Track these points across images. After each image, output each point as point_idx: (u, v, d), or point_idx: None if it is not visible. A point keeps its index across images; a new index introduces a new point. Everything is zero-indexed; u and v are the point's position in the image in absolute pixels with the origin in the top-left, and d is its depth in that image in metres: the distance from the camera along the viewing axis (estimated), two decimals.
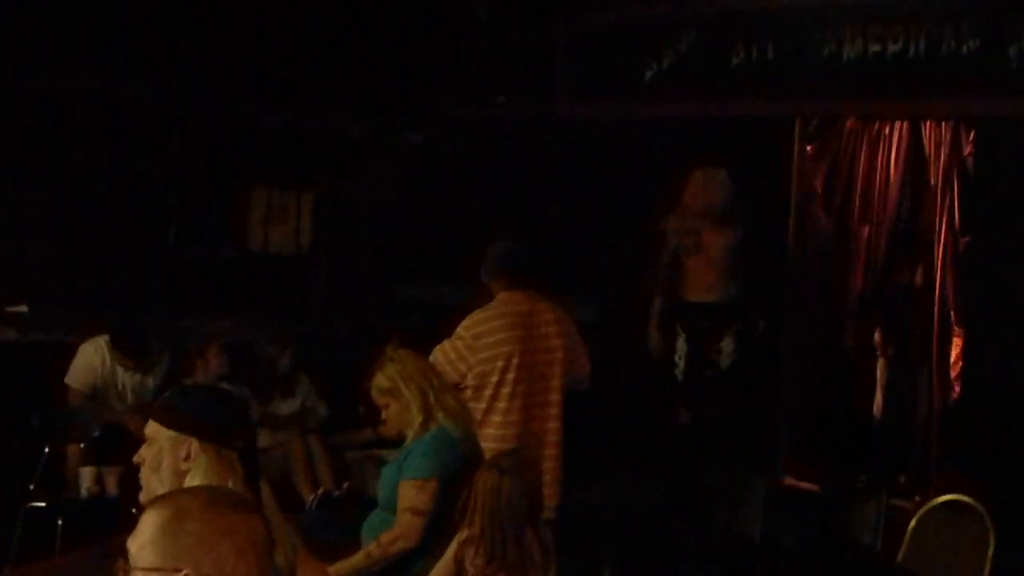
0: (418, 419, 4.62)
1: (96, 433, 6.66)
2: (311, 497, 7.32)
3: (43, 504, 6.28)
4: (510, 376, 5.53)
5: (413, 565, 4.46)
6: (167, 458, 3.07)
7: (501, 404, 5.53)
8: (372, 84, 8.79)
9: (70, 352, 6.98)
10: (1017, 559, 5.68)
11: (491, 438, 5.41)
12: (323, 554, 4.40)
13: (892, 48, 7.38)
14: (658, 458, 7.65)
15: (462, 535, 4.10)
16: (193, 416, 3.08)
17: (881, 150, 7.85)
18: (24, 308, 7.50)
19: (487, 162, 8.76)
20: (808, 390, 8.10)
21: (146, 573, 2.05)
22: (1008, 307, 7.07)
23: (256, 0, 8.23)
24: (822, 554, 6.96)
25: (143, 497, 3.10)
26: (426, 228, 8.94)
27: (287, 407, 7.65)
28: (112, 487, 6.43)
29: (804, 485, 7.75)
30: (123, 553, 2.09)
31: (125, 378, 7.02)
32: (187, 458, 3.04)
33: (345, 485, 7.37)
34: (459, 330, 5.56)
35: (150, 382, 7.06)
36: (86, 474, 6.47)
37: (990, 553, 5.30)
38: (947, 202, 7.55)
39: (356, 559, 4.54)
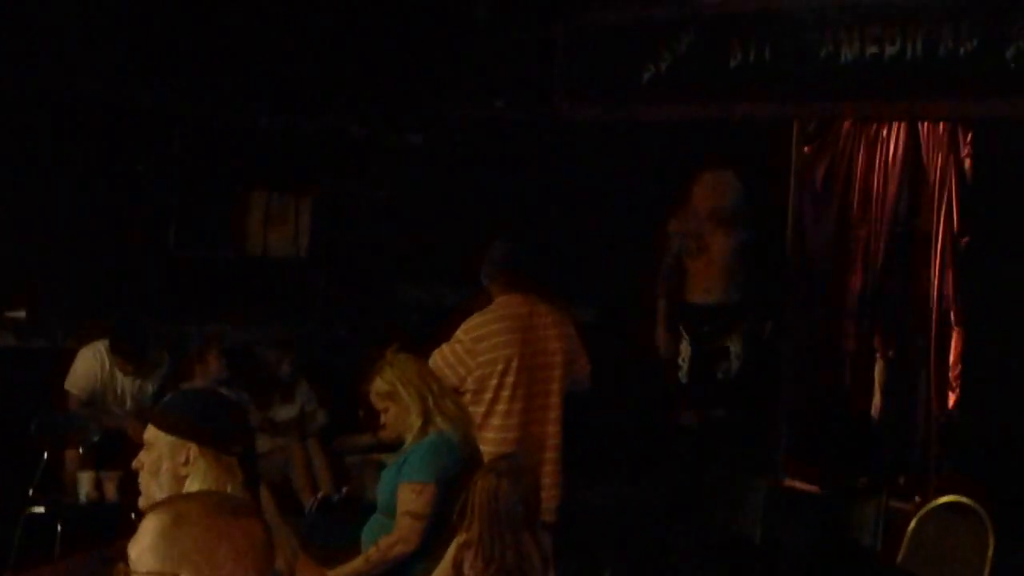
0: (417, 423, 4.62)
1: (95, 438, 6.66)
2: (310, 501, 7.32)
3: (42, 509, 6.29)
4: (510, 379, 5.53)
5: (412, 569, 4.46)
6: (166, 463, 3.07)
7: (501, 407, 5.53)
8: (371, 85, 8.79)
9: (69, 357, 6.98)
10: (1017, 560, 5.68)
11: (491, 441, 5.41)
12: (322, 558, 4.41)
13: (890, 49, 7.38)
14: (658, 459, 7.64)
15: (460, 539, 4.10)
16: (192, 421, 3.08)
17: (879, 151, 7.84)
18: (22, 313, 7.49)
19: (486, 163, 8.76)
20: (808, 391, 8.10)
21: None
22: (1007, 307, 7.06)
23: (256, 2, 8.22)
24: (822, 555, 6.96)
25: (142, 502, 3.09)
26: (425, 230, 8.94)
27: (286, 412, 7.65)
28: (111, 492, 6.43)
29: (804, 486, 7.75)
30: (123, 558, 2.09)
31: (124, 383, 7.02)
32: (186, 463, 3.04)
33: (344, 489, 7.38)
34: (458, 333, 5.56)
35: (149, 387, 7.07)
36: (85, 479, 6.47)
37: (990, 554, 5.30)
38: (945, 203, 7.54)
39: (355, 563, 4.54)
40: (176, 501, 2.22)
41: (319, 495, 7.36)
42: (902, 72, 7.32)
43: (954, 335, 7.53)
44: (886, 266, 7.84)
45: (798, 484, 7.79)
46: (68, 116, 7.73)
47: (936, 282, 7.60)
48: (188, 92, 8.09)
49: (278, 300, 9.09)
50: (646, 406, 7.91)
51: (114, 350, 6.94)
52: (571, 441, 5.75)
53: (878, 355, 7.88)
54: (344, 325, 9.09)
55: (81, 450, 6.67)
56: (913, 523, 5.58)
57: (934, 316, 7.60)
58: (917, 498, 6.96)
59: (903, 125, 7.74)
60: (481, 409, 5.50)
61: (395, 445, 4.90)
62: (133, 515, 3.26)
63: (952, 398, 7.54)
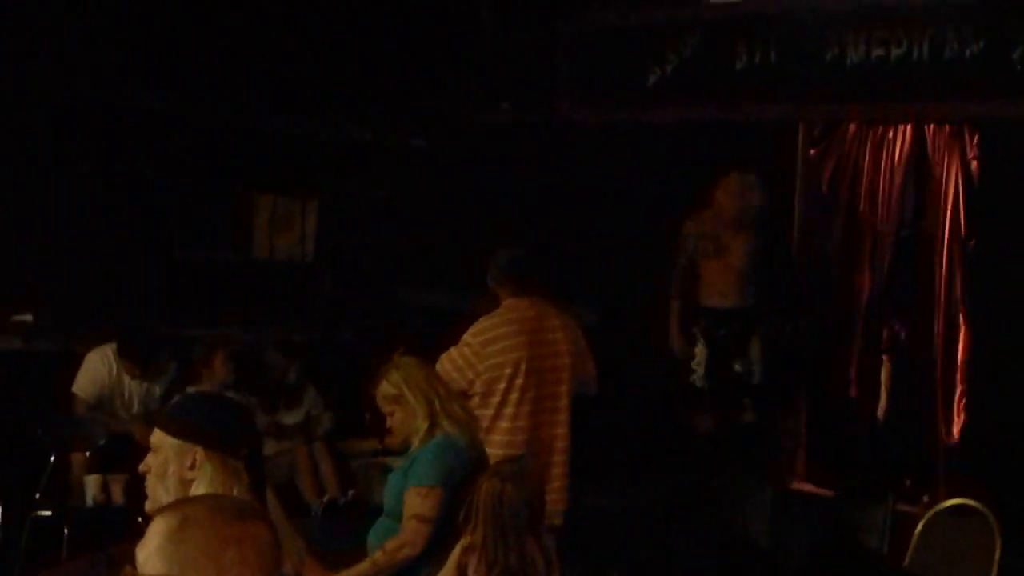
0: (423, 426, 4.62)
1: (102, 442, 6.67)
2: (317, 504, 7.32)
3: (49, 513, 6.28)
4: (518, 382, 5.53)
5: (418, 572, 4.46)
6: (173, 466, 3.07)
7: (509, 410, 5.53)
8: (375, 89, 8.79)
9: (75, 361, 6.98)
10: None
11: (499, 444, 5.41)
12: (329, 562, 4.41)
13: (896, 51, 7.38)
14: (665, 462, 7.62)
15: (464, 542, 4.10)
16: (198, 424, 3.07)
17: (885, 153, 7.83)
18: (29, 317, 7.50)
19: (491, 167, 8.76)
20: (816, 394, 8.08)
21: None
22: (1015, 309, 7.06)
23: (259, 5, 8.23)
24: (829, 558, 6.95)
25: (149, 506, 3.10)
26: (430, 233, 8.94)
27: (293, 416, 7.65)
28: (118, 496, 6.43)
29: (811, 489, 7.74)
30: (130, 561, 2.09)
31: (131, 387, 7.02)
32: (192, 466, 3.04)
33: (351, 493, 7.37)
34: (466, 337, 5.55)
35: (156, 390, 7.07)
36: (91, 483, 6.47)
37: (997, 557, 5.30)
38: (952, 205, 7.53)
39: (362, 567, 4.54)
40: (183, 504, 2.22)
41: (325, 498, 7.36)
42: (908, 74, 7.32)
43: (961, 337, 7.52)
44: (893, 268, 7.83)
45: (805, 487, 7.78)
46: (73, 120, 7.74)
47: (943, 284, 7.59)
48: (194, 96, 8.09)
49: (283, 303, 9.09)
50: (653, 409, 7.90)
51: (121, 354, 6.95)
52: (577, 444, 5.75)
53: (885, 357, 7.86)
54: (349, 328, 9.09)
55: (88, 454, 6.67)
56: (920, 526, 5.57)
57: (941, 318, 7.59)
58: (925, 499, 6.95)
59: (909, 127, 7.73)
60: (489, 412, 5.50)
61: (401, 449, 4.90)
62: (139, 519, 3.27)
63: (959, 401, 7.53)
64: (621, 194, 8.21)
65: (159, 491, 3.08)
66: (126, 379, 6.99)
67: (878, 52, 7.43)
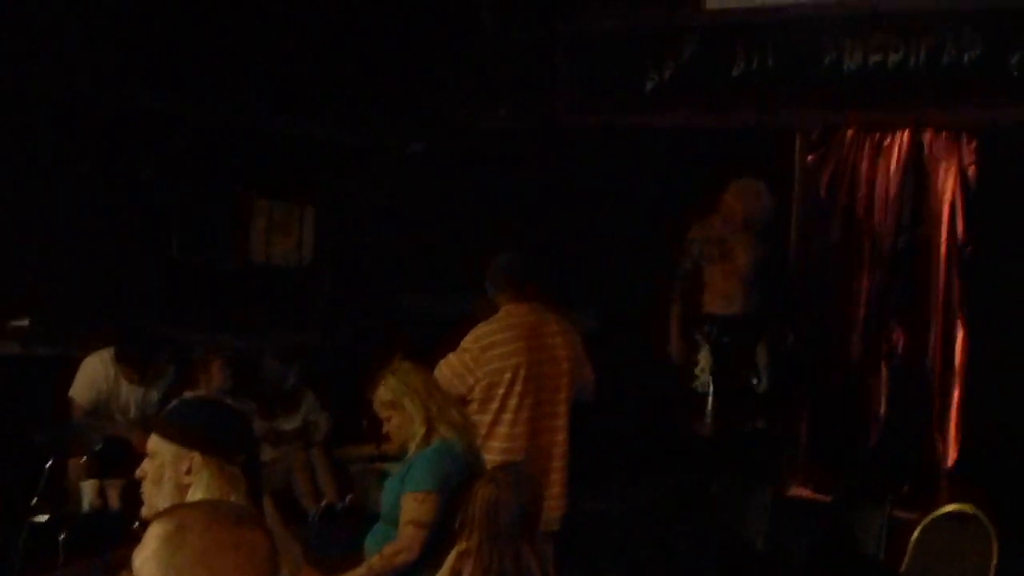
0: (420, 432, 4.62)
1: (99, 447, 6.66)
2: (314, 510, 7.32)
3: (46, 518, 6.27)
4: (517, 388, 5.52)
5: None
6: (169, 472, 3.06)
7: (508, 416, 5.53)
8: (374, 93, 8.79)
9: (73, 366, 6.98)
10: (1021, 569, 5.68)
11: (498, 450, 5.41)
12: (326, 567, 4.41)
13: (893, 57, 7.40)
14: (663, 467, 7.62)
15: (460, 548, 4.09)
16: (195, 430, 3.07)
17: (883, 159, 7.84)
18: (26, 322, 7.49)
19: (489, 171, 8.77)
20: (814, 399, 8.08)
21: None
22: (1013, 315, 7.07)
23: (257, 9, 8.23)
24: (826, 563, 6.95)
25: (145, 511, 3.09)
26: (428, 238, 8.94)
27: (290, 423, 7.65)
28: (114, 501, 6.43)
29: (809, 494, 7.74)
30: (127, 566, 2.09)
31: (129, 391, 7.02)
32: (189, 472, 3.04)
33: (348, 498, 7.37)
34: (465, 342, 5.55)
35: (154, 395, 7.06)
36: (88, 488, 6.46)
37: (993, 563, 5.29)
38: (950, 210, 7.54)
39: (359, 572, 4.54)
40: (180, 510, 2.22)
41: (323, 504, 7.36)
42: (906, 80, 7.33)
43: (959, 342, 7.52)
44: (891, 274, 7.83)
45: (803, 492, 7.78)
46: (70, 123, 7.73)
47: (941, 290, 7.60)
48: (191, 99, 8.09)
49: (281, 308, 9.09)
50: (651, 413, 7.89)
51: (119, 359, 6.94)
52: (576, 448, 5.75)
53: (883, 363, 7.85)
54: (347, 333, 9.09)
55: (85, 459, 6.66)
56: (917, 532, 5.56)
57: (939, 324, 7.59)
58: (923, 505, 6.95)
59: (907, 133, 7.74)
60: (488, 418, 5.49)
61: (398, 455, 4.90)
62: (136, 524, 3.25)
63: (957, 406, 7.53)
64: (619, 199, 8.21)
65: (155, 496, 3.07)
66: (123, 384, 6.99)
67: (876, 58, 7.44)
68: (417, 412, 4.64)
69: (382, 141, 9.29)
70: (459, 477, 4.50)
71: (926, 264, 7.66)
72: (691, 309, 7.58)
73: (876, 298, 7.87)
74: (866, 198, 7.90)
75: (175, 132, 8.30)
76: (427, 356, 5.33)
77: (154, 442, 3.12)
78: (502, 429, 5.52)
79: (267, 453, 7.09)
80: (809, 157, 8.02)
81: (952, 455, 7.54)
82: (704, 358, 7.51)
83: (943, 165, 7.59)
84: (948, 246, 7.57)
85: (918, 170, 7.71)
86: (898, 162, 7.78)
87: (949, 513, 5.61)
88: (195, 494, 2.99)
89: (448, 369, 5.48)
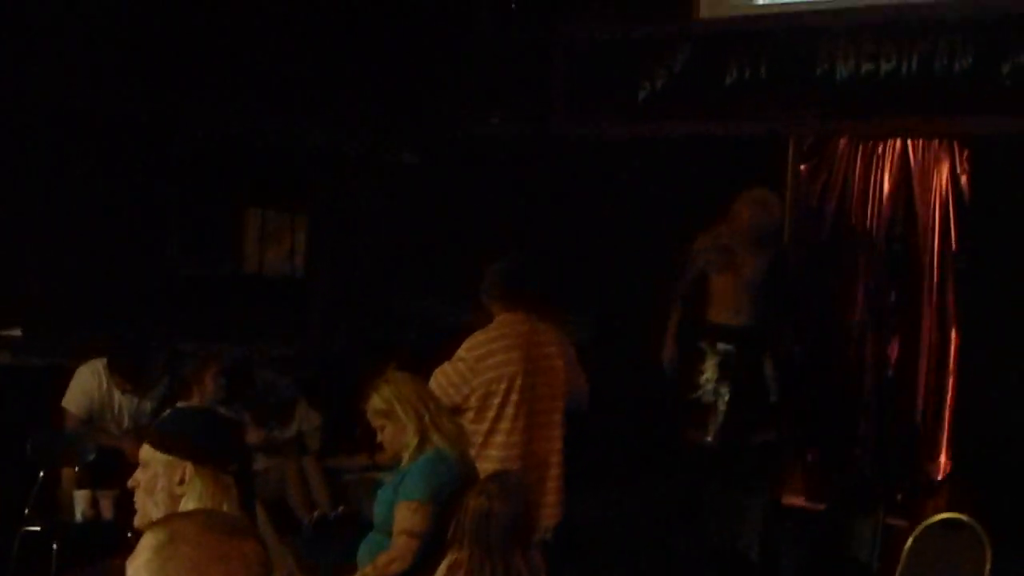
0: (414, 441, 4.62)
1: (91, 457, 6.64)
2: (307, 519, 7.31)
3: (38, 528, 6.26)
4: (513, 397, 5.52)
5: None
6: (162, 481, 3.06)
7: (504, 425, 5.52)
8: (367, 102, 8.80)
9: (65, 375, 6.96)
10: (1016, 574, 5.68)
11: (494, 459, 5.41)
12: None
13: (885, 66, 7.42)
14: (658, 476, 7.61)
15: (450, 560, 4.09)
16: (188, 439, 3.07)
17: (875, 168, 7.85)
18: (18, 331, 7.48)
19: (482, 180, 8.77)
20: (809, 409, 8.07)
21: None
22: (1006, 324, 7.08)
23: (252, 18, 8.24)
24: (820, 572, 6.95)
25: (138, 521, 3.09)
26: (422, 247, 8.94)
27: (284, 432, 7.64)
28: (107, 511, 6.40)
29: (802, 503, 7.74)
30: (122, 574, 2.09)
31: (122, 401, 7.00)
32: (182, 482, 3.03)
33: (341, 508, 7.36)
34: (460, 352, 5.55)
35: (147, 405, 7.03)
36: (81, 498, 6.44)
37: (987, 571, 5.30)
38: (942, 219, 7.56)
39: None
40: (173, 519, 2.22)
41: (316, 513, 7.35)
42: (898, 89, 7.35)
43: (952, 351, 7.53)
44: (883, 283, 7.84)
45: (796, 500, 7.78)
46: (65, 131, 7.73)
47: (934, 298, 7.60)
48: (185, 110, 8.10)
49: (275, 318, 9.08)
50: (646, 421, 7.88)
51: (112, 368, 6.93)
52: (571, 456, 5.75)
53: (877, 371, 7.86)
54: (340, 342, 9.08)
55: (77, 469, 6.64)
56: (910, 540, 5.57)
57: (933, 332, 7.60)
58: (916, 512, 6.95)
59: (899, 142, 7.75)
60: (484, 427, 5.49)
61: (391, 464, 4.90)
62: (129, 534, 3.25)
63: (950, 414, 7.54)
64: (613, 207, 8.22)
65: (148, 506, 3.07)
66: (117, 394, 6.97)
67: (868, 67, 7.46)
68: (410, 422, 4.64)
69: (376, 149, 9.29)
70: (452, 487, 4.50)
71: (919, 273, 7.67)
72: (696, 319, 7.50)
73: (869, 306, 7.88)
74: (859, 207, 7.91)
75: (169, 141, 8.30)
76: (421, 365, 5.34)
77: (147, 452, 3.12)
78: (498, 438, 5.52)
79: (260, 462, 7.08)
80: (802, 166, 8.03)
81: (945, 463, 7.54)
82: (710, 367, 7.42)
83: (935, 174, 7.60)
84: (941, 255, 7.58)
85: (910, 179, 7.73)
86: (890, 171, 7.80)
87: (942, 521, 5.61)
88: (188, 504, 2.99)
89: (444, 378, 5.48)
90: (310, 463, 7.58)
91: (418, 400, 4.70)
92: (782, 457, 7.80)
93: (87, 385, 6.92)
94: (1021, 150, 7.06)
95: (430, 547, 4.41)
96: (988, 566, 5.29)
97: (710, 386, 7.36)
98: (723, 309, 7.38)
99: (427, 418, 4.66)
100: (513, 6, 8.91)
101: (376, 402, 4.71)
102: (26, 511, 6.34)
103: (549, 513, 5.56)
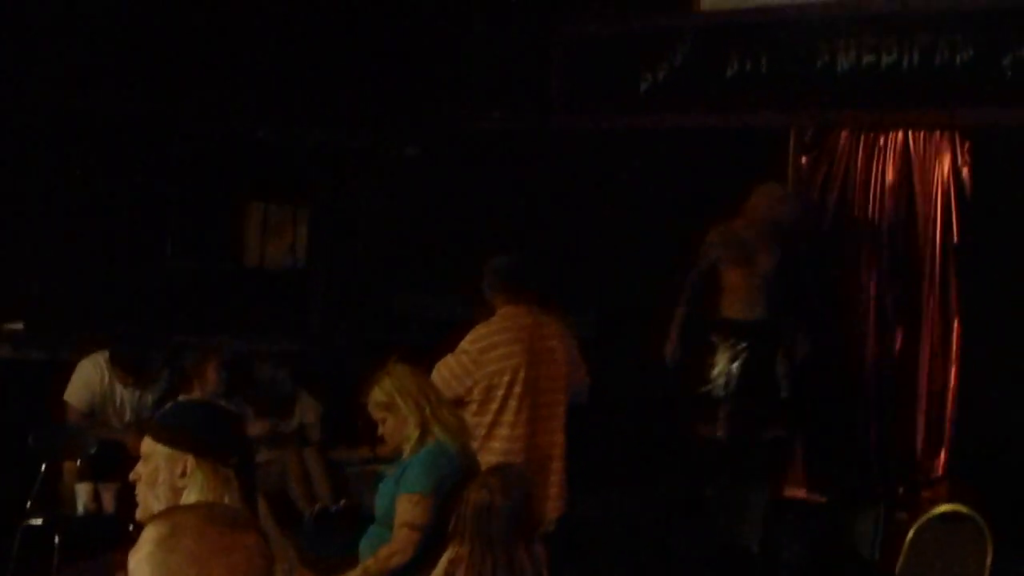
0: (415, 434, 4.62)
1: (93, 450, 6.65)
2: (308, 511, 7.31)
3: (40, 521, 6.26)
4: (517, 390, 5.52)
5: None
6: (163, 474, 3.06)
7: (508, 418, 5.53)
8: (368, 96, 8.79)
9: (67, 369, 6.97)
10: (1016, 569, 5.69)
11: (498, 452, 5.41)
12: (321, 569, 4.40)
13: (887, 58, 7.40)
14: (660, 470, 7.61)
15: (451, 554, 4.09)
16: (189, 432, 3.07)
17: (877, 160, 7.84)
18: (20, 325, 7.49)
19: (484, 174, 8.77)
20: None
21: None
22: (1008, 316, 7.08)
23: (251, 15, 8.23)
24: (821, 565, 6.95)
25: (139, 514, 3.09)
26: (423, 241, 8.94)
27: (286, 425, 7.64)
28: (109, 504, 6.42)
29: (804, 496, 7.73)
30: (123, 568, 2.09)
31: (124, 394, 7.00)
32: (183, 474, 3.03)
33: (343, 501, 7.36)
34: (464, 344, 5.55)
35: (149, 399, 7.04)
36: (83, 491, 6.45)
37: (988, 563, 5.30)
38: (943, 212, 7.55)
39: (353, 574, 4.53)
40: (175, 512, 2.22)
41: (317, 506, 7.35)
42: (899, 81, 7.34)
43: (954, 343, 7.52)
44: (885, 275, 7.83)
45: (799, 493, 7.78)
46: (64, 129, 7.74)
47: (936, 290, 7.60)
48: (186, 105, 8.10)
49: (276, 311, 9.08)
50: (648, 416, 7.87)
51: (114, 362, 6.93)
52: (573, 451, 5.76)
53: (879, 364, 7.84)
54: (342, 336, 9.08)
55: (79, 462, 6.65)
56: (912, 533, 5.57)
57: (934, 325, 7.59)
58: (918, 505, 6.95)
59: (900, 134, 7.74)
60: (487, 419, 5.49)
61: (392, 457, 4.90)
62: (131, 527, 3.25)
63: (952, 406, 7.54)
64: (614, 201, 8.21)
65: (150, 499, 3.07)
66: (118, 387, 6.98)
67: (869, 59, 7.45)
68: (412, 414, 4.64)
69: (377, 144, 9.29)
70: (453, 479, 4.50)
71: (921, 265, 7.66)
72: (707, 313, 7.45)
73: (871, 299, 7.87)
74: (860, 199, 7.90)
75: (170, 138, 8.30)
76: (422, 358, 5.33)
77: (148, 445, 3.12)
78: (502, 431, 5.52)
79: (262, 455, 7.09)
80: (803, 158, 8.02)
81: (947, 456, 7.54)
82: (722, 362, 7.37)
83: (936, 166, 7.59)
84: (943, 247, 7.57)
85: (911, 171, 7.72)
86: (892, 163, 7.78)
87: (944, 514, 5.62)
88: (189, 497, 2.99)
89: (447, 371, 5.48)
90: (311, 455, 7.58)
91: (419, 393, 4.70)
92: (779, 451, 7.79)
93: (89, 378, 6.92)
94: (1022, 142, 7.05)
95: (431, 540, 4.41)
96: (989, 559, 5.30)
97: (721, 380, 7.33)
98: (736, 303, 7.34)
99: (428, 411, 4.66)
100: (514, 0, 8.91)
101: (377, 395, 4.71)
102: (28, 504, 6.34)
103: (551, 506, 5.56)
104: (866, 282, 7.87)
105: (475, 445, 5.15)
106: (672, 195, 7.87)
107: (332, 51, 8.60)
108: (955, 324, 7.51)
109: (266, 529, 2.52)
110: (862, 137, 7.87)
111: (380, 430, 4.77)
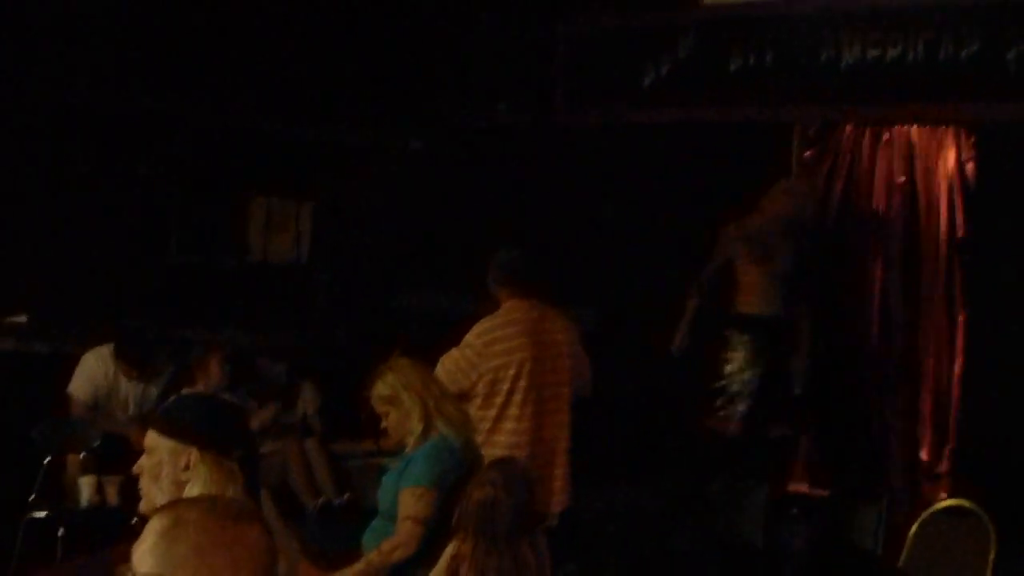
0: (418, 427, 4.63)
1: (96, 443, 6.66)
2: (311, 504, 7.32)
3: (44, 514, 6.28)
4: (522, 383, 5.52)
5: (413, 573, 4.46)
6: (167, 468, 3.06)
7: (513, 411, 5.52)
8: (373, 91, 8.79)
9: (70, 362, 6.98)
10: (1020, 564, 5.68)
11: (503, 445, 5.41)
12: (324, 562, 4.41)
13: (891, 53, 7.39)
14: (662, 465, 7.60)
15: (453, 549, 4.09)
16: (192, 425, 3.07)
17: (881, 155, 7.83)
18: (24, 318, 7.50)
19: (488, 168, 8.76)
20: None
21: None
22: (1012, 311, 7.07)
23: (255, 9, 8.23)
24: (824, 559, 6.95)
25: (143, 507, 3.10)
26: (427, 235, 8.94)
27: (288, 417, 7.65)
28: (112, 497, 6.43)
29: (806, 490, 7.73)
30: (126, 560, 2.10)
31: (128, 388, 7.02)
32: (187, 468, 3.04)
33: (346, 496, 7.36)
34: (469, 338, 5.55)
35: (153, 392, 7.05)
36: (86, 484, 6.46)
37: (991, 558, 5.30)
38: (948, 206, 7.54)
39: (357, 567, 4.54)
40: (178, 505, 2.23)
41: (320, 500, 7.35)
42: (903, 75, 7.32)
43: (959, 338, 7.52)
44: (889, 270, 7.82)
45: (801, 488, 7.78)
46: (70, 122, 7.74)
47: (940, 285, 7.59)
48: (190, 98, 8.10)
49: (279, 306, 9.08)
50: (651, 411, 7.87)
51: (118, 355, 6.94)
52: (576, 446, 5.76)
53: (883, 358, 7.84)
54: (345, 330, 9.08)
55: (83, 455, 6.66)
56: (915, 527, 5.57)
57: (938, 319, 7.59)
58: (921, 500, 6.96)
59: (905, 128, 7.73)
60: (492, 413, 5.49)
61: (396, 450, 4.91)
62: (134, 519, 3.26)
63: (956, 403, 7.53)
64: (618, 195, 8.20)
65: (153, 492, 3.07)
66: (122, 380, 6.99)
67: (873, 53, 7.43)
68: (415, 408, 4.65)
69: (380, 139, 9.28)
70: (457, 473, 4.51)
71: (925, 260, 7.65)
72: (722, 307, 7.43)
73: (874, 293, 7.86)
74: (864, 194, 7.89)
75: (174, 131, 8.30)
76: (425, 353, 5.33)
77: (152, 438, 3.12)
78: (507, 424, 5.52)
79: (266, 446, 7.10)
80: (807, 152, 8.01)
81: (951, 449, 7.53)
82: (738, 357, 7.35)
83: (941, 160, 7.58)
84: (947, 241, 7.56)
85: (916, 166, 7.71)
86: (896, 157, 7.77)
87: (947, 508, 5.61)
88: (193, 489, 2.99)
89: (452, 364, 5.48)
90: (313, 446, 7.58)
91: (422, 387, 4.71)
92: (792, 448, 7.78)
93: (93, 372, 6.94)
94: None
95: (434, 533, 4.42)
96: (992, 554, 5.30)
97: (737, 376, 7.31)
98: (753, 299, 7.33)
99: (431, 404, 4.66)
100: None
101: (380, 388, 4.71)
102: (32, 497, 6.36)
103: (556, 500, 5.57)
104: (871, 277, 7.86)
105: (480, 439, 5.16)
106: (675, 189, 7.86)
107: (336, 45, 8.59)
108: (960, 318, 7.50)
109: (269, 522, 2.53)
110: (866, 131, 7.87)
111: (383, 424, 4.77)
